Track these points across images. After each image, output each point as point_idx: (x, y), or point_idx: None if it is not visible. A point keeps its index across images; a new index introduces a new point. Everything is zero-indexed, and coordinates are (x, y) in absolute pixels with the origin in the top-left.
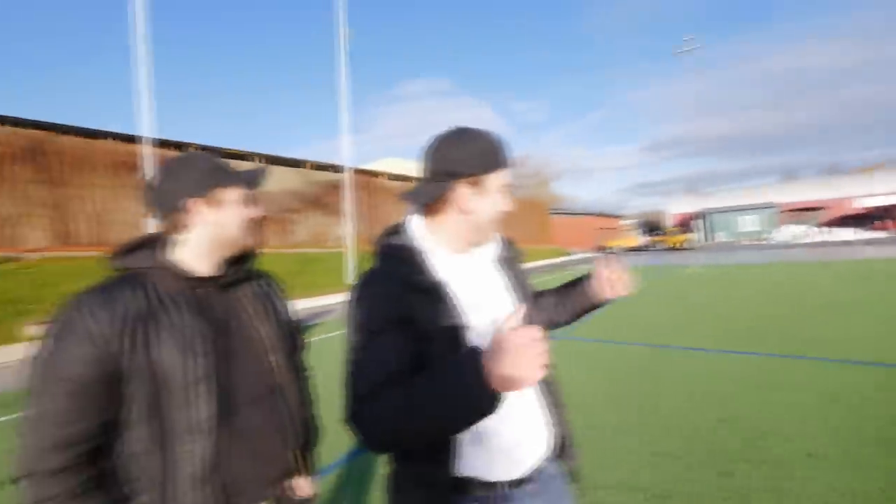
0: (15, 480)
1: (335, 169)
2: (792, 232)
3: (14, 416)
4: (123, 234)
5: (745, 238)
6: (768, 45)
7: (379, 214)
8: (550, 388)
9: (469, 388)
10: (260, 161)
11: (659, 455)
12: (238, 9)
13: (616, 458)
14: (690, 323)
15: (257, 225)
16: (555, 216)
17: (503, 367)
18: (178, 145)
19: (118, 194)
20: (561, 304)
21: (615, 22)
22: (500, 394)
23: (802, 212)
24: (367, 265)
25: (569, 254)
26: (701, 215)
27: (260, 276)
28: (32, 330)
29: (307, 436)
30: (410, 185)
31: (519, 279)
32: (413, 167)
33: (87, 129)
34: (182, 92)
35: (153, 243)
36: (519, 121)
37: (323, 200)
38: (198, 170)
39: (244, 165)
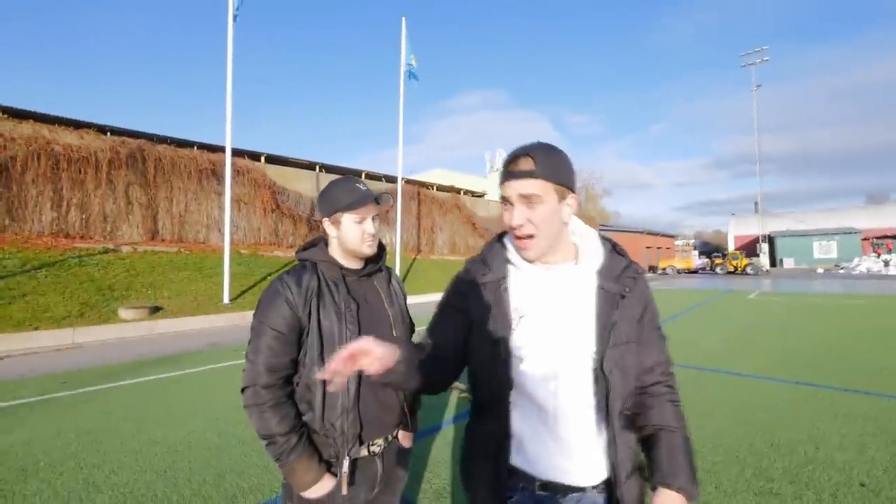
0: (242, 390)
1: (388, 179)
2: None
3: (118, 383)
4: (200, 233)
5: (820, 265)
6: (853, 57)
7: (426, 224)
8: (611, 422)
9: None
10: (319, 169)
11: (699, 471)
12: (305, 30)
13: None
14: (745, 349)
15: (373, 238)
16: (604, 233)
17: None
18: (252, 154)
19: (198, 197)
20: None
21: (680, 35)
22: None
23: (891, 239)
24: (415, 273)
25: None
26: (767, 238)
27: (388, 270)
28: (125, 313)
29: (414, 399)
30: (457, 197)
31: (606, 311)
32: (461, 179)
33: (177, 138)
34: (257, 108)
35: (319, 243)
36: (573, 133)
37: None
38: (330, 196)
39: (306, 174)
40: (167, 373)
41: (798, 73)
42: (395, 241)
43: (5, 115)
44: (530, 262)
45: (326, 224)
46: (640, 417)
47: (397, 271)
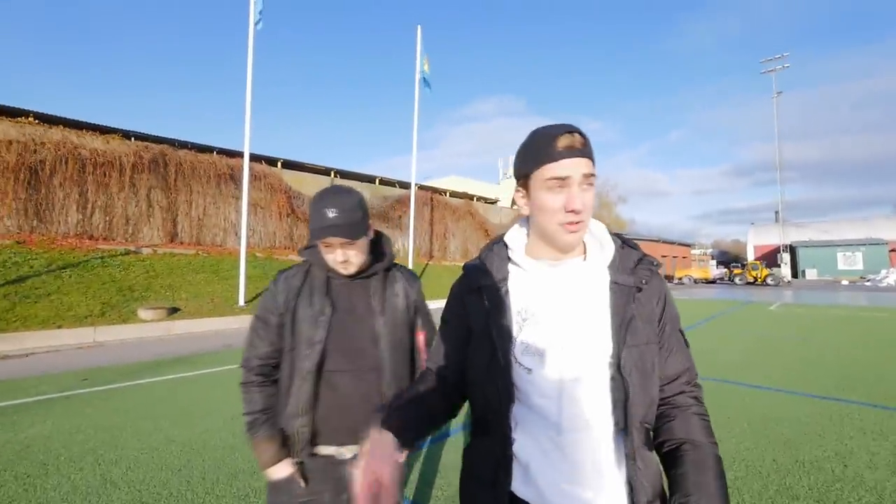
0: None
1: (401, 185)
2: None
3: (137, 381)
4: (217, 236)
5: (844, 277)
6: (877, 62)
7: (438, 230)
8: (630, 434)
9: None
10: (334, 175)
11: None
12: (322, 37)
13: None
14: (766, 361)
15: (344, 264)
16: None
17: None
18: (269, 160)
19: (217, 201)
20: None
21: (698, 42)
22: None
23: None
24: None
25: None
26: (788, 248)
27: (395, 271)
28: (144, 313)
29: None
30: (470, 203)
31: (621, 306)
32: (475, 186)
33: (198, 143)
34: (274, 113)
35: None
36: (590, 140)
37: (388, 214)
38: (309, 212)
39: (321, 179)
40: (184, 373)
41: (820, 79)
42: (408, 247)
43: (37, 121)
44: (569, 250)
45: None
46: (660, 432)
47: None
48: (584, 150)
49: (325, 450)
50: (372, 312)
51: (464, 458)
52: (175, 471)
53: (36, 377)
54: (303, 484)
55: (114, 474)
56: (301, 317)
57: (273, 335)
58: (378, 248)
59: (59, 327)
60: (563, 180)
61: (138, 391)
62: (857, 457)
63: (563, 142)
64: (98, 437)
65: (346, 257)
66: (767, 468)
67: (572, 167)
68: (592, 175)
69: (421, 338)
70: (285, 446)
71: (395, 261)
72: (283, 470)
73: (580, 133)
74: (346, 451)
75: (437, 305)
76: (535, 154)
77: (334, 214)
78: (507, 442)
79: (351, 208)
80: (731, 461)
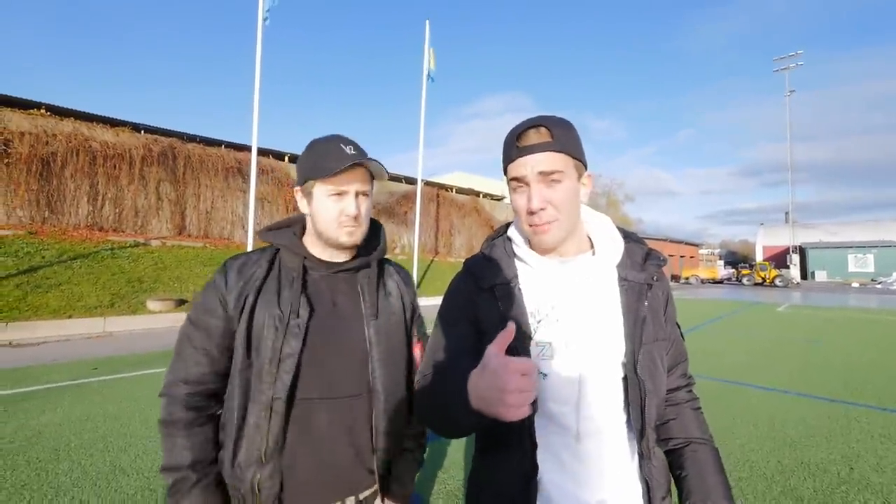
0: (160, 395)
1: (408, 180)
2: None
3: (145, 371)
4: (225, 230)
5: (855, 279)
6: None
7: (444, 226)
8: (646, 434)
9: (457, 395)
10: None
11: None
12: (330, 32)
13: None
14: (772, 363)
15: (354, 222)
16: None
17: (480, 385)
18: (276, 154)
19: (224, 194)
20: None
21: (709, 41)
22: (477, 410)
23: None
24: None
25: None
26: (798, 249)
27: (387, 264)
28: (153, 304)
29: (394, 450)
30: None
31: (634, 305)
32: (481, 182)
33: (206, 137)
34: (282, 108)
35: (296, 223)
36: (597, 139)
37: (394, 210)
38: (305, 159)
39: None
40: None
41: (834, 78)
42: (413, 243)
43: (48, 113)
44: (546, 252)
45: (298, 196)
46: (661, 430)
47: (414, 273)
48: (548, 145)
49: None
50: (361, 314)
51: (480, 477)
52: None
53: (47, 366)
54: None
55: (123, 461)
56: (262, 321)
57: (214, 349)
58: (371, 236)
59: (70, 317)
60: (520, 180)
61: (147, 380)
62: (863, 460)
63: (521, 139)
64: (107, 424)
65: (358, 210)
66: (772, 469)
67: (527, 166)
68: (555, 171)
69: (418, 351)
70: None
71: (403, 256)
72: None
73: (547, 126)
74: None
75: (440, 302)
76: (503, 155)
77: (354, 152)
78: (533, 456)
79: (361, 151)
80: (735, 462)
